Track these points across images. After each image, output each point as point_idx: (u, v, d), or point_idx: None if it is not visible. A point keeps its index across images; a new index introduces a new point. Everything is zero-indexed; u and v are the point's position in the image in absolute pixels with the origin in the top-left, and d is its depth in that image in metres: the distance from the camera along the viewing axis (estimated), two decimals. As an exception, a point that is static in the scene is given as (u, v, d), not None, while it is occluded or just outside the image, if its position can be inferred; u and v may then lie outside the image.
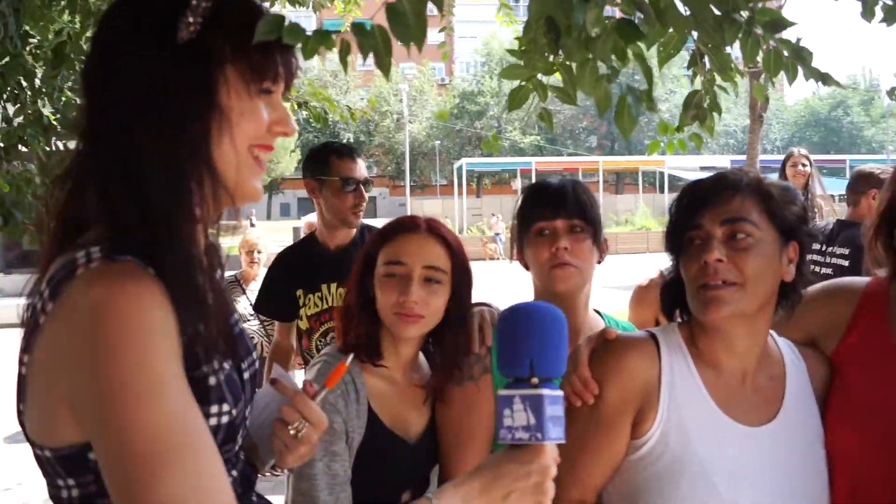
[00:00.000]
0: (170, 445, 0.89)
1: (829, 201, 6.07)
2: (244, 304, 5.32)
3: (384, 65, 1.15)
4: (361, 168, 3.31)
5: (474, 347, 1.96)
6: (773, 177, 6.90)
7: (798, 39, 1.81)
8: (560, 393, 1.31)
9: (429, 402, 1.96)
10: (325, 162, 3.27)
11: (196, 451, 0.91)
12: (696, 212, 1.64)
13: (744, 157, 9.93)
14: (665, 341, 1.66)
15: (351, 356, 1.64)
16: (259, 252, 5.52)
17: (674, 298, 1.75)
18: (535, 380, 1.27)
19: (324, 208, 3.26)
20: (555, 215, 2.01)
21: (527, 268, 2.09)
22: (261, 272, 5.61)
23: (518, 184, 34.69)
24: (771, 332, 1.75)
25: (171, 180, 1.00)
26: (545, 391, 1.26)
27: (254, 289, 5.54)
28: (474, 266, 2.07)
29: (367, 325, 1.89)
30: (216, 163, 1.04)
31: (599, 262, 2.10)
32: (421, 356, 2.01)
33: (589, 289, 2.09)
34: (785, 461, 1.59)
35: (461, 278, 1.93)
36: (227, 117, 1.04)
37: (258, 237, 5.65)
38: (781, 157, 6.21)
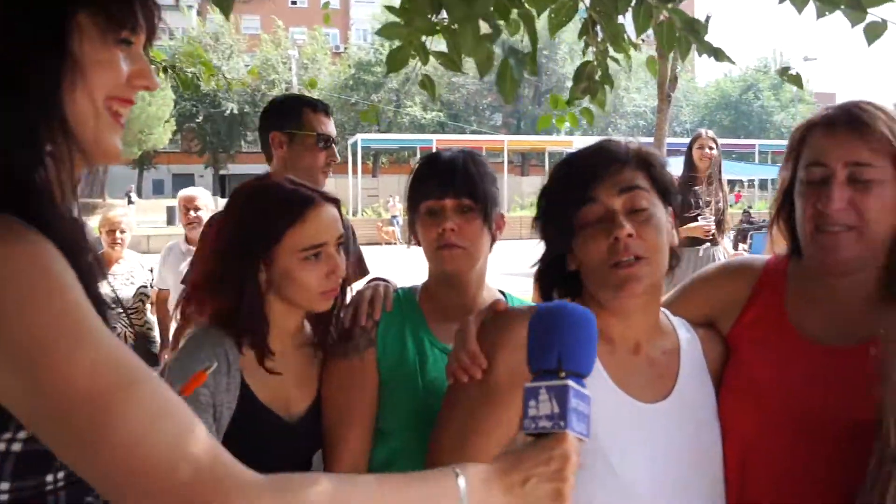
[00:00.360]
0: (118, 379, 0.91)
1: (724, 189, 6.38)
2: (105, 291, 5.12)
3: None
4: (333, 126, 3.36)
5: (361, 320, 2.06)
6: (680, 160, 7.10)
7: (707, 18, 1.90)
8: (588, 393, 1.38)
9: (317, 371, 2.07)
10: (298, 114, 3.25)
11: (145, 380, 0.94)
12: (586, 185, 1.68)
13: (652, 139, 10.29)
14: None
15: (214, 366, 1.73)
16: (122, 232, 5.28)
17: (553, 284, 1.80)
18: (562, 373, 1.35)
19: (289, 166, 3.23)
20: (443, 194, 2.05)
21: (419, 244, 2.15)
22: (126, 254, 5.39)
23: (418, 163, 34.68)
24: (664, 310, 1.84)
25: (22, 138, 0.99)
26: (571, 382, 1.34)
27: (116, 272, 5.30)
28: (370, 251, 2.09)
29: (250, 301, 1.94)
30: (69, 117, 1.04)
31: (494, 241, 2.16)
32: (308, 326, 2.11)
33: (483, 267, 2.16)
34: (680, 438, 1.68)
35: (348, 239, 2.08)
36: (80, 67, 1.04)
37: (122, 215, 5.42)
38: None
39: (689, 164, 6.23)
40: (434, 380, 2.03)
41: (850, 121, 1.68)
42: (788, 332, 1.74)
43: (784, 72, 2.44)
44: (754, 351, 1.78)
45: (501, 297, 2.21)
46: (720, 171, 6.23)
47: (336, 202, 2.06)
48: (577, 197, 1.69)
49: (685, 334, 1.82)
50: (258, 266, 1.94)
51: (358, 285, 2.25)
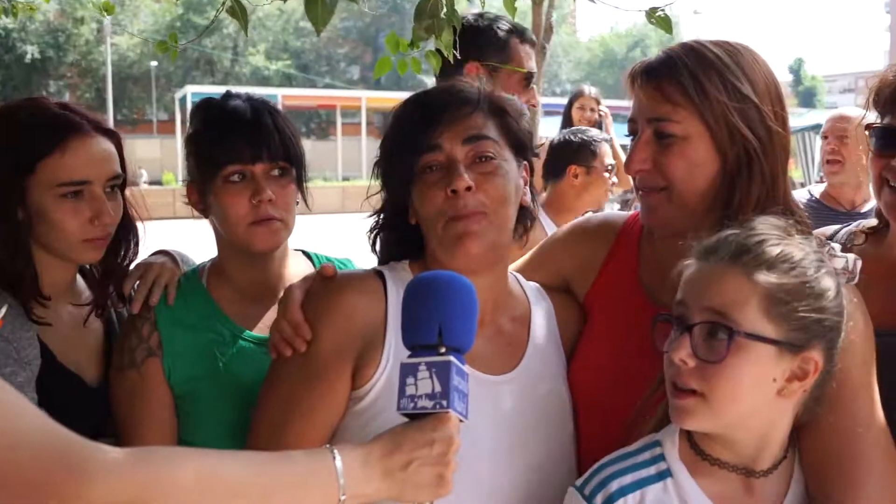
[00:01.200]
0: None
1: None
2: None
3: None
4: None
5: (136, 306, 1.99)
6: (557, 120, 7.07)
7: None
8: (467, 370, 1.44)
9: (99, 331, 2.05)
10: (506, 46, 3.00)
11: None
12: (429, 130, 1.71)
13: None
14: (394, 278, 1.75)
15: (5, 309, 1.72)
16: None
17: (391, 240, 1.84)
18: (442, 348, 1.40)
19: None
20: (254, 157, 1.95)
21: (206, 215, 2.06)
22: None
23: (261, 122, 34.00)
24: (516, 274, 1.93)
25: None
26: (454, 359, 1.39)
27: None
28: (195, 224, 2.04)
29: (7, 240, 1.86)
30: None
31: (299, 204, 2.11)
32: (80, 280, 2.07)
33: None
34: (527, 410, 1.77)
35: (126, 180, 2.01)
36: None
37: None
38: (571, 99, 6.34)
39: (567, 125, 6.14)
40: (244, 377, 1.96)
41: (648, 72, 1.75)
42: (638, 296, 1.84)
43: (652, 13, 2.46)
44: (604, 314, 1.89)
45: (308, 261, 2.19)
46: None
47: (113, 136, 1.96)
48: (419, 142, 1.72)
49: (537, 299, 1.91)
50: (13, 200, 1.84)
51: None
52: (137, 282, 2.02)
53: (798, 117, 25.61)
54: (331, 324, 1.69)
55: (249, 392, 1.88)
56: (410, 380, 1.40)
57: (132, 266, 2.07)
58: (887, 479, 1.54)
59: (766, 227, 1.55)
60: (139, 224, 2.09)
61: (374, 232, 1.86)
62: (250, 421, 1.76)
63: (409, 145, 1.73)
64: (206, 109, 2.04)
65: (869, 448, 1.55)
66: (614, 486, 1.55)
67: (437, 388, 1.38)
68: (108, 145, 1.92)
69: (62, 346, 1.93)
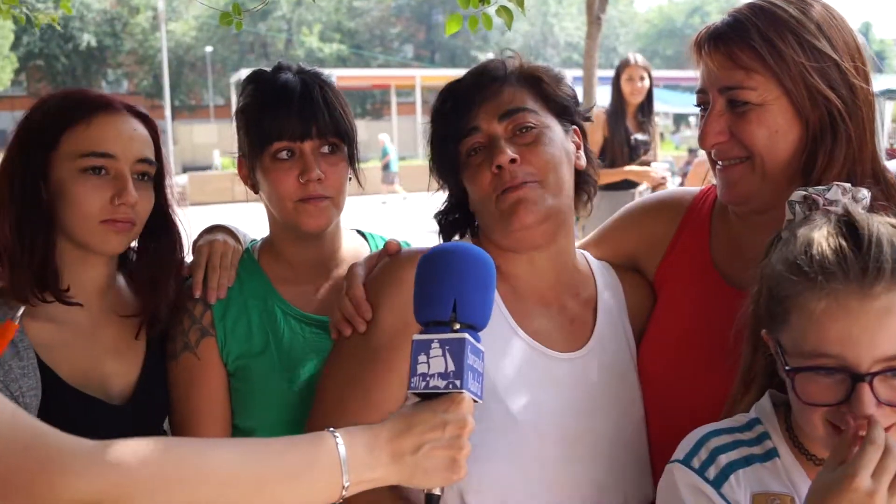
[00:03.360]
0: None
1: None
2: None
3: None
4: None
5: (196, 290, 1.94)
6: (607, 90, 6.98)
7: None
8: (482, 348, 1.38)
9: (143, 342, 1.93)
10: None
11: None
12: (465, 115, 1.70)
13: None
14: None
15: (21, 310, 1.61)
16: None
17: (454, 229, 1.83)
18: (457, 325, 1.35)
19: None
20: (303, 133, 1.91)
21: (255, 191, 2.02)
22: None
23: (316, 104, 34.17)
24: (583, 252, 1.89)
25: None
26: (468, 336, 1.34)
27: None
28: (256, 207, 2.03)
29: (37, 246, 1.77)
30: None
31: (352, 181, 2.07)
32: (121, 279, 1.97)
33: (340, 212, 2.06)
34: (595, 391, 1.75)
35: (164, 172, 1.93)
36: None
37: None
38: (630, 73, 6.21)
39: (618, 96, 6.13)
40: (296, 359, 1.94)
41: (716, 38, 1.67)
42: (711, 276, 1.79)
43: None
44: (675, 294, 1.85)
45: (363, 241, 2.15)
46: (651, 105, 6.18)
47: (148, 122, 1.89)
48: (458, 129, 1.71)
49: (606, 279, 1.88)
50: (38, 177, 1.77)
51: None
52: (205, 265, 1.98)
53: (866, 83, 24.88)
54: (393, 300, 1.68)
55: (300, 371, 1.89)
56: (422, 358, 1.35)
57: (191, 250, 2.03)
58: None
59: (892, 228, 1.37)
60: (181, 224, 2.01)
61: (440, 219, 1.86)
62: (300, 399, 1.75)
63: (449, 135, 1.73)
64: (256, 82, 2.00)
65: None
66: (724, 459, 1.48)
67: (451, 367, 1.33)
68: (140, 127, 1.86)
69: (75, 364, 1.82)
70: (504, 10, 2.62)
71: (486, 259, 1.43)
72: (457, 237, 1.85)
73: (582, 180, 1.81)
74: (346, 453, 1.27)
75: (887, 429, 1.28)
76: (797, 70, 1.61)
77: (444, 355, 1.34)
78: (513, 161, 1.65)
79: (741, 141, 1.66)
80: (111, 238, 1.81)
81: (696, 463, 1.49)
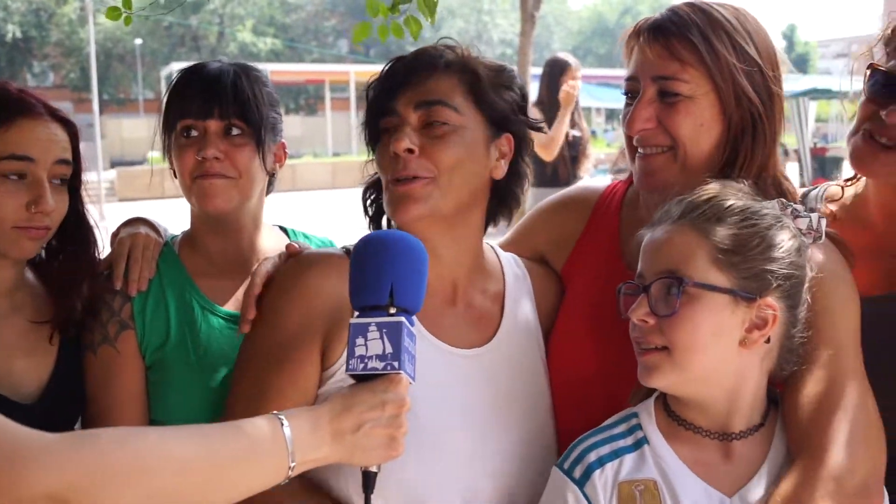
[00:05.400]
0: None
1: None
2: None
3: None
4: None
5: (117, 282, 1.93)
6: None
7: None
8: (415, 332, 1.44)
9: (56, 342, 1.91)
10: None
11: None
12: (390, 94, 1.72)
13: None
14: None
15: None
16: None
17: (375, 206, 1.85)
18: (393, 309, 1.40)
19: None
20: (206, 113, 1.93)
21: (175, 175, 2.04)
22: None
23: (249, 99, 33.79)
24: (492, 245, 1.92)
25: None
26: (404, 320, 1.39)
27: None
28: (181, 203, 2.02)
29: None
30: None
31: (273, 177, 2.10)
32: (31, 276, 1.95)
33: (259, 208, 2.09)
34: (502, 385, 1.77)
35: (81, 173, 1.92)
36: None
37: None
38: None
39: (552, 94, 6.29)
40: (212, 353, 1.95)
41: (655, 30, 1.74)
42: (618, 266, 1.83)
43: None
44: (584, 286, 1.89)
45: (284, 236, 2.16)
46: (578, 101, 6.40)
47: (69, 125, 1.87)
48: (380, 106, 1.74)
49: (514, 271, 1.91)
50: None
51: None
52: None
53: (791, 83, 25.61)
54: (295, 303, 1.69)
55: (216, 365, 1.89)
56: (360, 340, 1.39)
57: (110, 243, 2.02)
58: (864, 438, 1.54)
59: (718, 186, 1.59)
60: (94, 225, 2.00)
61: (365, 197, 1.88)
62: (217, 394, 1.76)
63: (373, 109, 1.75)
64: (181, 72, 2.04)
65: (848, 407, 1.55)
66: (592, 456, 1.58)
67: (388, 349, 1.38)
68: (60, 132, 1.84)
69: None
70: (412, 20, 2.60)
71: (420, 245, 1.47)
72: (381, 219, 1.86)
73: (499, 191, 1.81)
74: (292, 434, 1.31)
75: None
76: (728, 69, 1.70)
77: (381, 338, 1.38)
78: (410, 151, 1.66)
79: (668, 130, 1.72)
80: (25, 244, 1.80)
81: (567, 464, 1.60)
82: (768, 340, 1.55)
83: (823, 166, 18.02)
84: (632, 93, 1.78)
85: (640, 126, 1.74)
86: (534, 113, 5.92)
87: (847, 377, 1.58)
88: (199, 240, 2.06)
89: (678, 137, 1.73)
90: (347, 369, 1.40)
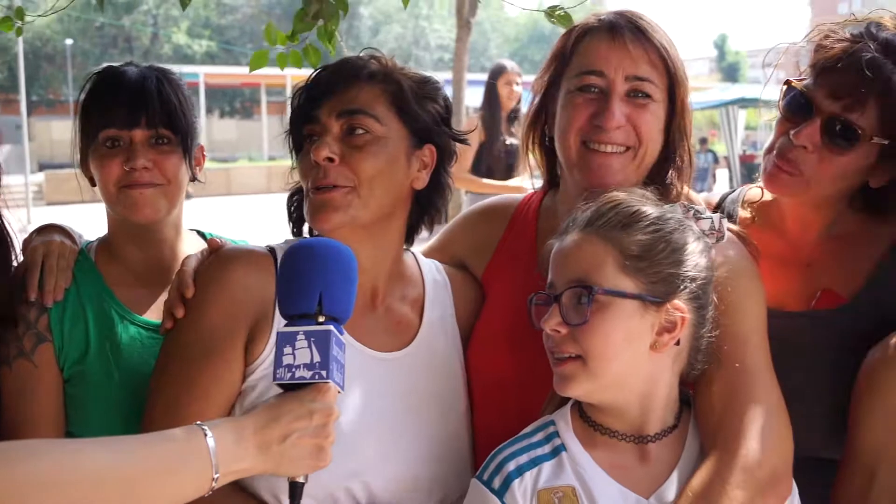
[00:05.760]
0: None
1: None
2: None
3: None
4: None
5: (32, 293, 1.88)
6: (476, 92, 7.29)
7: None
8: (345, 340, 1.43)
9: None
10: None
11: None
12: (314, 101, 1.73)
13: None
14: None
15: None
16: None
17: (298, 212, 1.84)
18: (322, 317, 1.38)
19: None
20: (132, 122, 1.90)
21: (93, 184, 2.01)
22: None
23: (183, 101, 33.37)
24: (413, 251, 1.95)
25: None
26: (333, 328, 1.38)
27: None
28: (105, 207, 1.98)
29: None
30: None
31: (193, 180, 2.09)
32: None
33: (180, 213, 2.07)
34: (418, 388, 1.79)
35: None
36: None
37: None
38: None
39: (494, 101, 6.28)
40: (133, 364, 1.91)
41: (633, 29, 1.78)
42: (536, 274, 1.84)
43: (552, 11, 2.42)
44: (503, 290, 1.92)
45: (202, 241, 2.14)
46: (519, 111, 6.31)
47: None
48: (303, 113, 1.75)
49: (435, 277, 1.93)
50: None
51: None
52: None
53: (722, 91, 26.12)
54: (218, 298, 1.68)
55: (137, 377, 1.84)
56: (288, 349, 1.38)
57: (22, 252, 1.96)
58: (771, 430, 1.59)
59: (622, 193, 1.64)
60: (11, 232, 1.94)
61: (290, 203, 1.87)
62: (137, 406, 1.72)
63: (296, 117, 1.76)
64: (96, 75, 1.98)
65: (755, 401, 1.60)
66: (511, 466, 1.59)
67: (317, 358, 1.37)
68: None
69: None
70: (311, 50, 2.58)
71: (349, 253, 1.46)
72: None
73: (420, 201, 1.83)
74: (216, 446, 1.28)
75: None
76: (679, 80, 1.78)
77: (309, 347, 1.37)
78: (331, 160, 1.66)
79: (636, 130, 1.76)
80: None
81: (486, 475, 1.61)
82: (678, 343, 1.59)
83: (752, 173, 18.45)
84: (591, 87, 1.79)
85: (617, 122, 1.76)
86: (472, 122, 5.92)
87: (753, 371, 1.64)
88: (118, 248, 2.01)
89: (642, 138, 1.77)
90: (275, 378, 1.39)
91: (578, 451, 1.61)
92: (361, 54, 1.81)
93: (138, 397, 1.79)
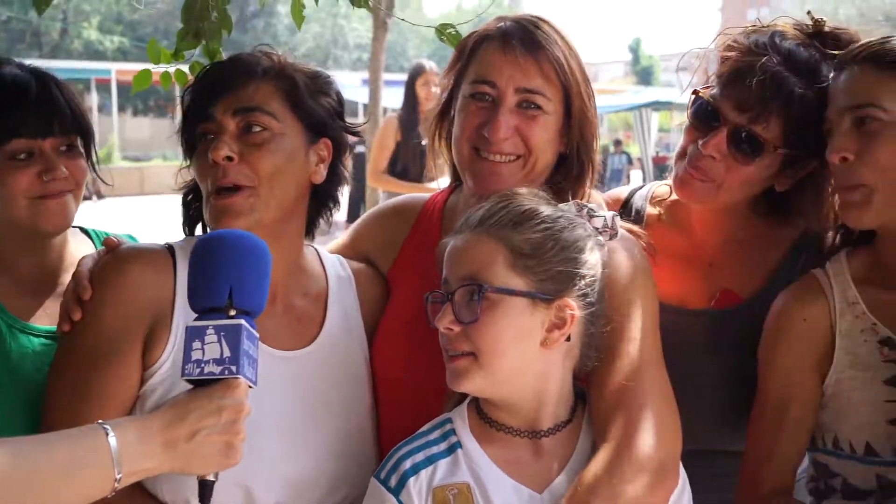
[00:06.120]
0: None
1: None
2: None
3: None
4: None
5: None
6: (393, 92, 7.43)
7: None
8: (257, 334, 1.40)
9: None
10: None
11: None
12: (208, 100, 1.72)
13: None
14: (184, 253, 1.73)
15: None
16: None
17: (194, 211, 1.83)
18: (232, 311, 1.35)
19: None
20: (44, 131, 1.84)
21: None
22: None
23: (94, 97, 32.57)
24: (316, 247, 1.94)
25: None
26: (244, 322, 1.35)
27: None
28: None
29: None
30: None
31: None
32: None
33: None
34: (320, 386, 1.80)
35: None
36: None
37: None
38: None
39: (412, 101, 6.30)
40: (26, 373, 1.86)
41: (526, 41, 1.80)
42: (437, 275, 1.86)
43: (442, 30, 2.42)
44: (408, 287, 1.95)
45: (89, 240, 2.11)
46: None
47: None
48: (197, 111, 1.73)
49: (339, 273, 1.93)
50: None
51: None
52: None
53: (635, 94, 26.58)
54: (116, 297, 1.65)
55: (33, 385, 1.80)
56: (197, 344, 1.35)
57: None
58: (660, 422, 1.65)
59: (513, 194, 1.67)
60: None
61: (186, 201, 1.85)
62: (34, 415, 1.69)
63: (191, 115, 1.74)
64: None
65: (645, 394, 1.66)
66: (407, 464, 1.62)
67: (227, 353, 1.35)
68: None
69: None
70: (198, 66, 2.55)
71: (262, 245, 1.44)
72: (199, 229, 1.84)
73: (318, 195, 1.83)
74: (118, 445, 1.25)
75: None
76: (577, 91, 1.81)
77: (219, 341, 1.34)
78: (230, 159, 1.64)
79: (525, 139, 1.79)
80: None
81: (383, 474, 1.65)
82: (569, 339, 1.62)
83: (665, 174, 18.82)
84: (484, 95, 1.81)
85: (504, 134, 1.78)
86: (390, 122, 5.92)
87: (644, 366, 1.69)
88: (4, 258, 1.94)
89: (532, 148, 1.80)
90: (183, 374, 1.36)
91: (474, 448, 1.63)
92: (254, 51, 1.80)
93: (35, 406, 1.75)
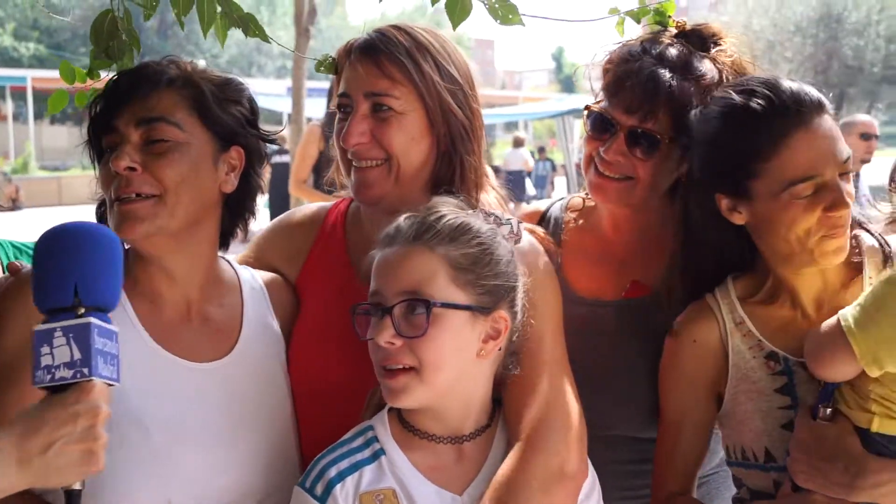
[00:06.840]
0: None
1: None
2: None
3: None
4: None
5: None
6: (316, 101, 7.43)
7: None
8: (114, 328, 1.32)
9: None
10: None
11: None
12: (111, 111, 1.71)
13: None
14: None
15: None
16: None
17: (108, 223, 1.81)
18: (81, 309, 1.27)
19: None
20: None
21: None
22: None
23: (8, 106, 31.78)
24: (228, 258, 1.97)
25: None
26: (94, 320, 1.26)
27: None
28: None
29: None
30: None
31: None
32: None
33: None
34: (240, 396, 1.79)
35: None
36: None
37: None
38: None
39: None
40: None
41: (366, 49, 1.86)
42: (348, 275, 1.92)
43: (324, 60, 2.37)
44: (317, 294, 1.98)
45: None
46: None
47: None
48: (101, 123, 1.72)
49: (251, 284, 1.94)
50: None
51: None
52: None
53: (558, 102, 26.88)
54: (18, 321, 1.61)
55: None
56: (45, 349, 1.27)
57: None
58: (564, 421, 1.71)
59: (443, 205, 1.69)
60: None
61: (98, 213, 1.83)
62: None
63: (94, 126, 1.73)
64: None
65: (548, 393, 1.73)
66: (332, 472, 1.63)
67: (77, 355, 1.27)
68: None
69: None
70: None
71: (109, 235, 1.39)
72: None
73: (231, 204, 1.84)
74: None
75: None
76: (434, 88, 1.85)
77: (68, 343, 1.27)
78: (132, 169, 1.64)
79: (381, 143, 1.84)
80: None
81: (308, 482, 1.65)
82: (501, 349, 1.67)
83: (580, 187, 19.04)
84: (344, 108, 1.88)
85: (355, 140, 1.83)
86: (313, 130, 5.87)
87: (547, 367, 1.76)
88: None
89: (391, 151, 1.84)
90: (34, 382, 1.28)
91: (397, 455, 1.66)
92: (161, 60, 1.78)
93: None
